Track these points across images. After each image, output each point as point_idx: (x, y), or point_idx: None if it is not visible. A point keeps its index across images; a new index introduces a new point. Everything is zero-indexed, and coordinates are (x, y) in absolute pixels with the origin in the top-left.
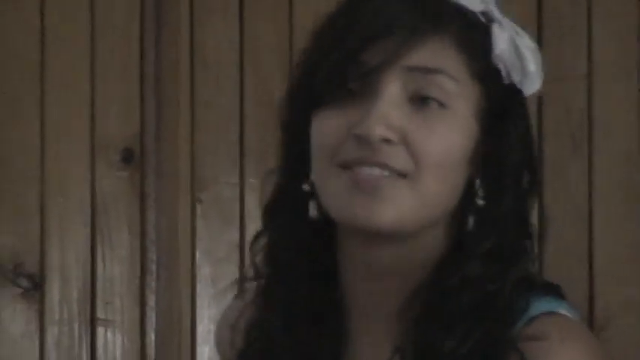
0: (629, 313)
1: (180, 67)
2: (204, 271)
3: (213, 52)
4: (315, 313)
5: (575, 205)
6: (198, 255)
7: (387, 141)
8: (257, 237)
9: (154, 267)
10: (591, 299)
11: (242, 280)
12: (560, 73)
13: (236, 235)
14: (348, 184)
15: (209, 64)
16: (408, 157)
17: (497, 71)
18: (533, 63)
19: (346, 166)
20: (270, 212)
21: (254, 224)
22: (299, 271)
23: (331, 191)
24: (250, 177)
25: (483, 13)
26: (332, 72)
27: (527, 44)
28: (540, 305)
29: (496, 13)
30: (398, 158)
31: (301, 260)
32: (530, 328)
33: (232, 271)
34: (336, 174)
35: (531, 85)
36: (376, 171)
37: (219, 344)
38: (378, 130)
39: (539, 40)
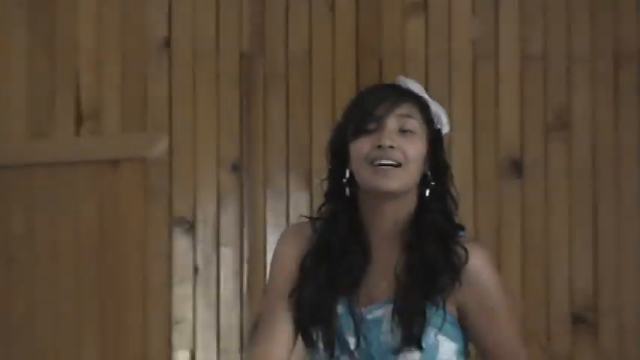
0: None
1: (260, 120)
2: (271, 224)
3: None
4: (353, 240)
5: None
6: (268, 217)
7: (391, 147)
8: (321, 207)
9: (245, 230)
10: None
11: (296, 225)
12: None
13: (283, 206)
14: (373, 172)
15: (279, 120)
16: (402, 156)
17: (433, 121)
18: (445, 121)
19: (372, 163)
20: (328, 194)
21: (295, 199)
22: (343, 220)
23: (365, 176)
24: (294, 178)
25: (422, 97)
26: (363, 119)
27: (442, 111)
28: (459, 232)
29: (429, 97)
30: (397, 156)
31: (343, 215)
32: (461, 240)
33: (281, 224)
34: (367, 167)
35: (445, 130)
36: (387, 163)
37: (285, 241)
38: (388, 142)
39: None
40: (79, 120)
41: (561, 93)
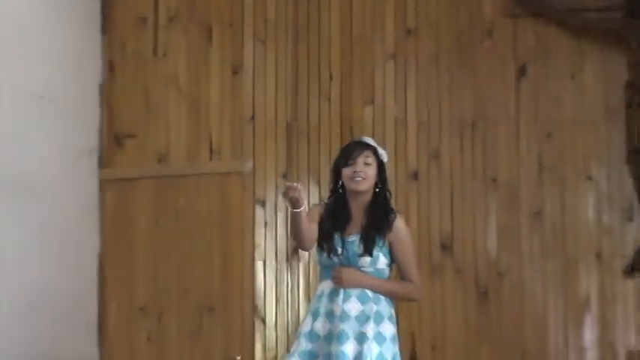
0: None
1: (295, 155)
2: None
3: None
4: (345, 211)
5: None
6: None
7: (360, 171)
8: (329, 197)
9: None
10: None
11: (317, 204)
12: None
13: (306, 195)
14: (353, 182)
15: (305, 154)
16: (365, 175)
17: (379, 157)
18: (385, 157)
19: (352, 179)
20: (332, 192)
21: (312, 191)
22: (340, 202)
23: (349, 184)
24: (312, 182)
25: (374, 146)
26: (347, 158)
27: (384, 152)
28: (392, 209)
29: (376, 145)
30: (363, 175)
31: (339, 200)
32: (393, 211)
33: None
34: (350, 180)
35: (385, 160)
36: (359, 177)
37: (312, 209)
38: (359, 169)
39: None
40: (211, 153)
41: (436, 141)
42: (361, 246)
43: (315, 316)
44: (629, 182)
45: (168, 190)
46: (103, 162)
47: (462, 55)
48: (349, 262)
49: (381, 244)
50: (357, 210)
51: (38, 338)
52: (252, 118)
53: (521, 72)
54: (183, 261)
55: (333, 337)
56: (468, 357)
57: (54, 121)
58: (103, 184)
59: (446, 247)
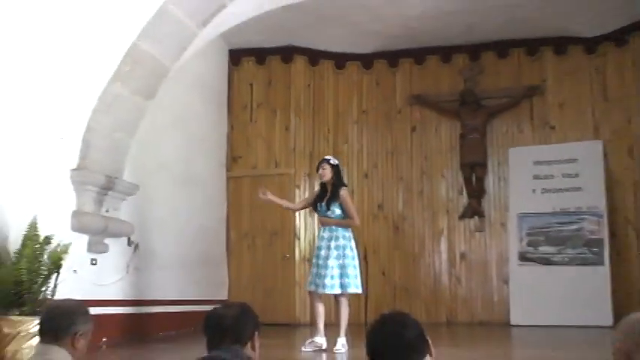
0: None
1: (307, 173)
2: (311, 190)
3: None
4: (323, 191)
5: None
6: (315, 186)
7: (320, 172)
8: (319, 187)
9: (307, 189)
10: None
11: (314, 190)
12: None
13: (315, 185)
14: (320, 177)
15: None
16: (323, 173)
17: (333, 164)
18: (335, 160)
19: (320, 176)
20: (320, 184)
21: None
22: (321, 187)
23: (320, 178)
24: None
25: (331, 159)
26: (317, 167)
27: (335, 160)
28: (344, 185)
29: (330, 157)
30: (324, 173)
31: (322, 187)
32: (343, 187)
33: (313, 188)
34: (319, 176)
35: (336, 163)
36: (323, 175)
37: (312, 192)
38: (320, 171)
39: None
40: (275, 165)
41: (375, 160)
42: (326, 207)
43: (319, 239)
44: (461, 178)
45: (257, 182)
46: (228, 169)
47: (387, 122)
48: (324, 215)
49: (336, 204)
50: (329, 190)
51: (197, 250)
52: (294, 149)
53: (413, 129)
54: (262, 213)
55: (321, 248)
56: (390, 257)
57: (206, 150)
58: (228, 179)
59: (380, 207)
